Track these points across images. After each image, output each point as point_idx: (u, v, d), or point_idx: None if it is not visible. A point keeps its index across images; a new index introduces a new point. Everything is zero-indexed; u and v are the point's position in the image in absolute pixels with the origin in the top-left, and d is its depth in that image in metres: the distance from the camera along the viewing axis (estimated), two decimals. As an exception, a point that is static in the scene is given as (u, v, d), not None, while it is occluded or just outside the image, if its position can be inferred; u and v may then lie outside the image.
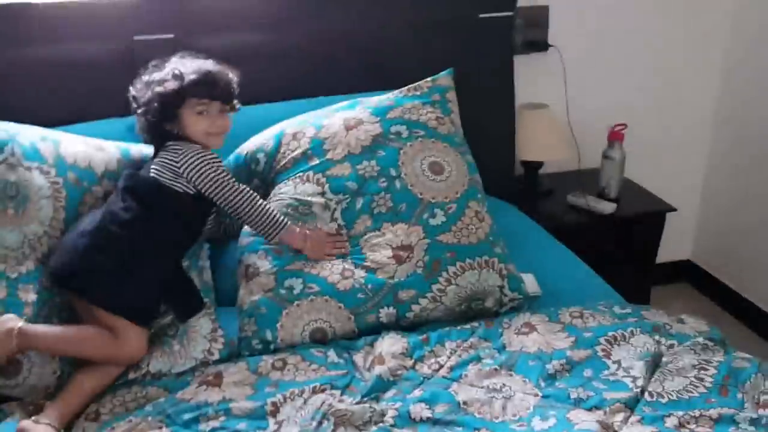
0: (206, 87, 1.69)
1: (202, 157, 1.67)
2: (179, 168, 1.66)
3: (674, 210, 2.63)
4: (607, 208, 2.56)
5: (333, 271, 1.75)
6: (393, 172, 1.87)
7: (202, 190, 1.67)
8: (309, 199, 1.83)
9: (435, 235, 1.81)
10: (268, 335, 1.68)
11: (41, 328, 1.53)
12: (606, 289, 2.00)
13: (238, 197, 1.68)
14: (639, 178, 2.78)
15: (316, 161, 1.89)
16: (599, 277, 2.06)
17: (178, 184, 1.66)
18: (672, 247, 2.99)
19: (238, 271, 1.80)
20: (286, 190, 1.86)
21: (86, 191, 1.72)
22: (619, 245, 2.64)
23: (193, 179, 1.66)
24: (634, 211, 2.62)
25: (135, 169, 1.75)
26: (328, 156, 1.89)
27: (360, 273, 1.75)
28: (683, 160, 3.01)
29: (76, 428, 1.45)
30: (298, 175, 1.87)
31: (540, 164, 2.70)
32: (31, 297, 1.56)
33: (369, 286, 1.73)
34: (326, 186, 1.85)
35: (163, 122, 1.70)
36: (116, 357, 1.54)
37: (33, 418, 1.41)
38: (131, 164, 1.80)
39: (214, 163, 1.68)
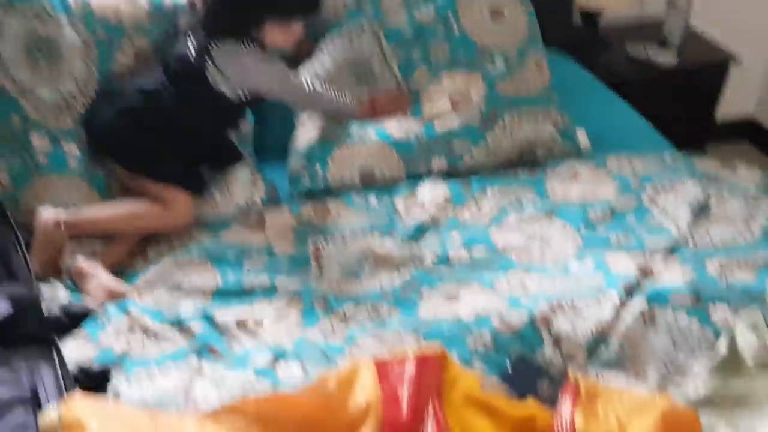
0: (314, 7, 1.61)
1: (276, 68, 1.58)
2: (243, 78, 1.54)
3: (738, 62, 2.48)
4: (668, 59, 2.42)
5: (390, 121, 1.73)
6: (451, 18, 1.80)
7: (268, 97, 1.62)
8: (367, 58, 1.78)
9: (494, 84, 1.76)
10: (319, 171, 1.68)
11: (86, 213, 1.52)
12: (660, 141, 1.94)
13: (307, 101, 1.63)
14: (704, 28, 2.60)
15: (370, 10, 1.81)
16: (654, 130, 1.99)
17: (234, 92, 1.55)
18: (734, 104, 2.84)
19: (295, 117, 1.78)
20: (342, 48, 1.79)
21: (117, 49, 1.67)
22: (678, 99, 2.52)
23: (259, 89, 1.58)
24: (696, 61, 2.48)
25: (171, 33, 1.63)
26: (384, 5, 1.82)
27: (416, 123, 1.73)
28: (752, 10, 2.79)
29: (124, 266, 1.51)
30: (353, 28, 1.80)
31: (599, 13, 2.56)
32: (75, 152, 1.59)
33: (423, 135, 1.71)
34: (382, 37, 1.79)
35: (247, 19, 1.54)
36: (166, 226, 1.55)
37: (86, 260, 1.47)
38: (162, 18, 1.70)
39: (282, 74, 1.58)
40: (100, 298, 1.38)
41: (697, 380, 1.15)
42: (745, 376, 1.15)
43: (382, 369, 1.12)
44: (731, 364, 1.16)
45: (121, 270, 1.49)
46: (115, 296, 1.38)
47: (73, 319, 1.34)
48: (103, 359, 1.24)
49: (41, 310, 1.21)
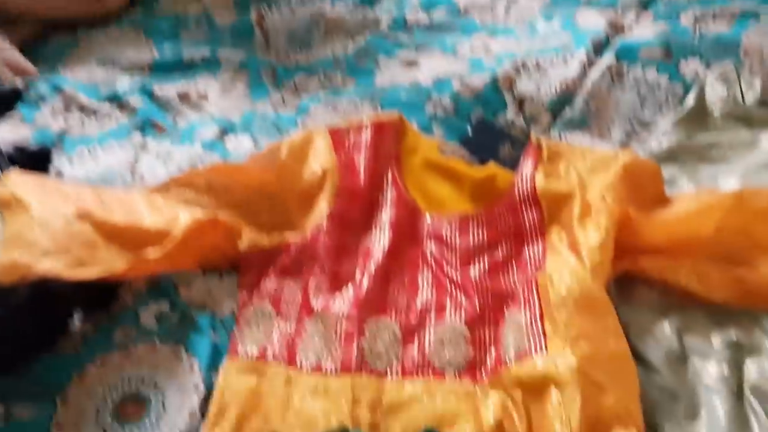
0: None
1: None
2: None
3: None
4: None
5: None
6: None
7: None
8: None
9: None
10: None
11: None
12: None
13: None
14: None
15: None
16: None
17: None
18: None
19: None
20: None
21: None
22: None
23: None
24: None
25: None
26: None
27: None
28: None
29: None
30: None
31: None
32: None
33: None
34: None
35: None
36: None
37: None
38: None
39: None
40: (5, 74, 1.26)
41: (661, 134, 1.12)
42: (711, 129, 1.11)
43: (337, 137, 1.06)
44: (697, 116, 1.12)
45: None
46: (22, 73, 1.27)
47: (2, 101, 1.24)
48: (40, 140, 1.16)
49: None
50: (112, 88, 1.24)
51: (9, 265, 0.84)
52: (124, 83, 1.24)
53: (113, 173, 1.09)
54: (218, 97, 1.24)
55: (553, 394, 0.80)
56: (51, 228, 0.90)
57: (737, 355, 0.87)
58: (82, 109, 1.21)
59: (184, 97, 1.23)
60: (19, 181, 0.95)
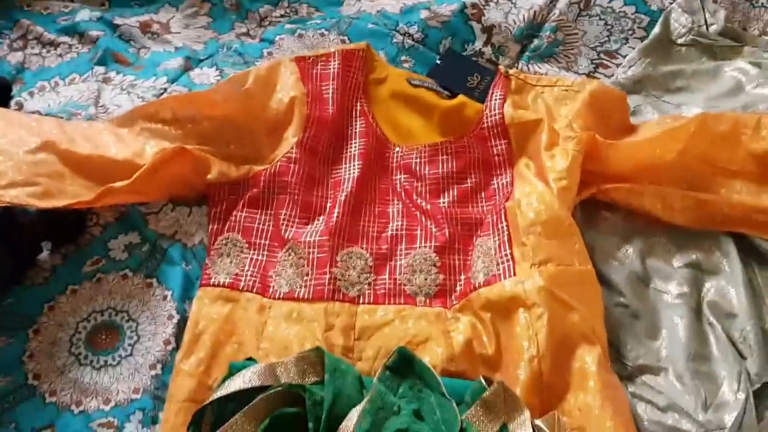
0: None
1: None
2: None
3: None
4: None
5: None
6: None
7: None
8: None
9: None
10: None
11: None
12: None
13: None
14: None
15: None
16: None
17: None
18: None
19: None
20: None
21: None
22: None
23: None
24: None
25: None
26: None
27: None
28: None
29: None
30: None
31: None
32: None
33: None
34: None
35: None
36: None
37: None
38: None
39: None
40: None
41: (627, 64, 1.12)
42: (675, 59, 1.12)
43: (304, 67, 1.05)
44: (662, 46, 1.13)
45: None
46: None
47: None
48: (-2, 73, 1.13)
49: None
50: (71, 20, 1.19)
51: (-26, 196, 0.83)
52: (83, 15, 1.20)
53: (76, 106, 1.06)
54: (181, 28, 1.21)
55: (521, 314, 0.82)
56: (16, 159, 0.89)
57: (697, 275, 0.91)
58: (39, 39, 1.17)
59: (145, 28, 1.20)
60: (-22, 112, 0.92)
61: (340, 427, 0.70)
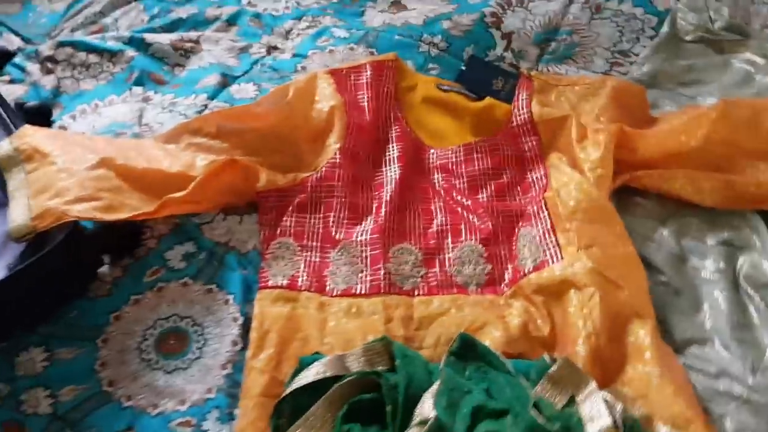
0: None
1: None
2: None
3: None
4: None
5: None
6: None
7: None
8: None
9: None
10: None
11: None
12: None
13: None
14: None
15: None
16: None
17: None
18: None
19: None
20: None
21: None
22: None
23: None
24: None
25: None
26: None
27: None
28: None
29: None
30: None
31: None
32: None
33: None
34: None
35: None
36: None
37: None
38: None
39: None
40: None
41: (641, 62, 1.19)
42: (685, 54, 1.19)
43: (339, 78, 1.10)
44: (672, 43, 1.20)
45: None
46: None
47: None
48: (36, 98, 1.16)
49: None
50: (102, 42, 1.23)
51: (43, 211, 0.86)
52: (112, 35, 1.24)
53: (121, 126, 1.09)
54: (212, 45, 1.25)
55: (573, 295, 0.86)
56: (78, 175, 0.92)
57: (730, 251, 0.96)
58: (70, 60, 1.20)
59: (177, 46, 1.24)
60: (37, 135, 0.95)
61: (416, 409, 0.74)
